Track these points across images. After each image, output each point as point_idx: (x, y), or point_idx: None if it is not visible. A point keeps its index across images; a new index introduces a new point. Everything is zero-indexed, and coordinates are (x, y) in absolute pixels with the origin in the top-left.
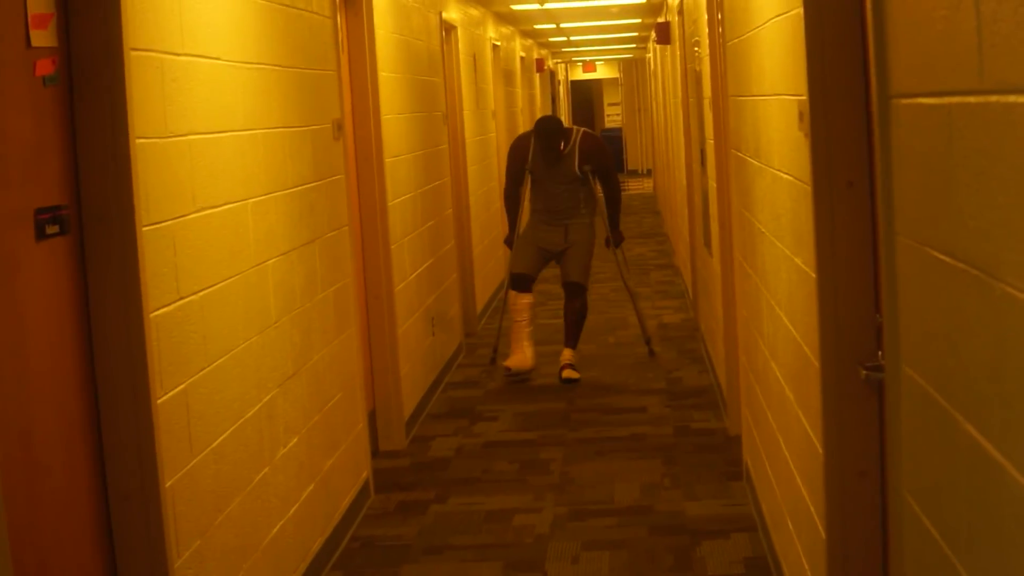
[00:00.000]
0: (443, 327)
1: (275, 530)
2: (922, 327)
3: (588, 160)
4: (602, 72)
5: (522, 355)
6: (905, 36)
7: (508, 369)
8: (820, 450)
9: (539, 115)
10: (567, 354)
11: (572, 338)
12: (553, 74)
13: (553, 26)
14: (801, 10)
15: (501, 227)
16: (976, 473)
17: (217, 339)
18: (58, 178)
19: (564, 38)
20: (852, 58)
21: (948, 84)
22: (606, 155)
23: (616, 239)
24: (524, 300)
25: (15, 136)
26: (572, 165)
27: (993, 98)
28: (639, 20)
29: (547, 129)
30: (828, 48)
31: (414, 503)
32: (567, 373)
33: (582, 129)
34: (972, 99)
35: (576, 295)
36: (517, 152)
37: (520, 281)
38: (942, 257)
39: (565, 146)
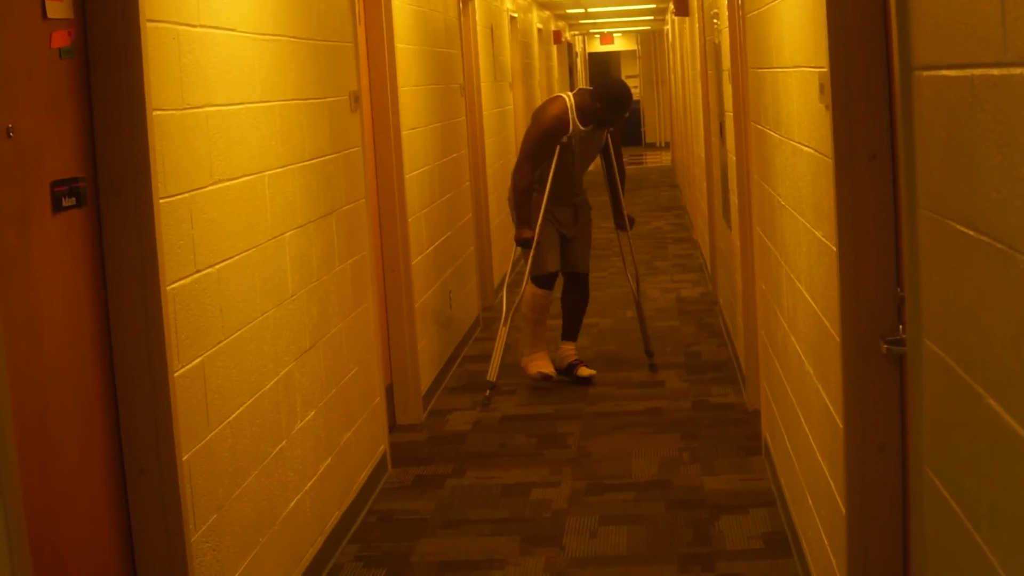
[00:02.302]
0: (460, 300)
1: (292, 504)
2: (944, 300)
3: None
4: (620, 44)
5: (547, 359)
6: (928, 7)
7: (543, 375)
8: (840, 424)
9: (556, 88)
10: (571, 349)
11: (574, 331)
12: (571, 46)
13: None
14: None
15: None
16: (998, 447)
17: (234, 312)
18: (74, 151)
19: (582, 9)
20: (874, 29)
21: (971, 56)
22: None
23: (630, 219)
24: (551, 298)
25: (31, 109)
26: (604, 132)
27: (1017, 70)
28: None
29: (620, 96)
30: (849, 19)
31: (431, 477)
32: (583, 371)
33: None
34: (995, 71)
35: (582, 284)
36: (555, 122)
37: (550, 279)
38: (964, 230)
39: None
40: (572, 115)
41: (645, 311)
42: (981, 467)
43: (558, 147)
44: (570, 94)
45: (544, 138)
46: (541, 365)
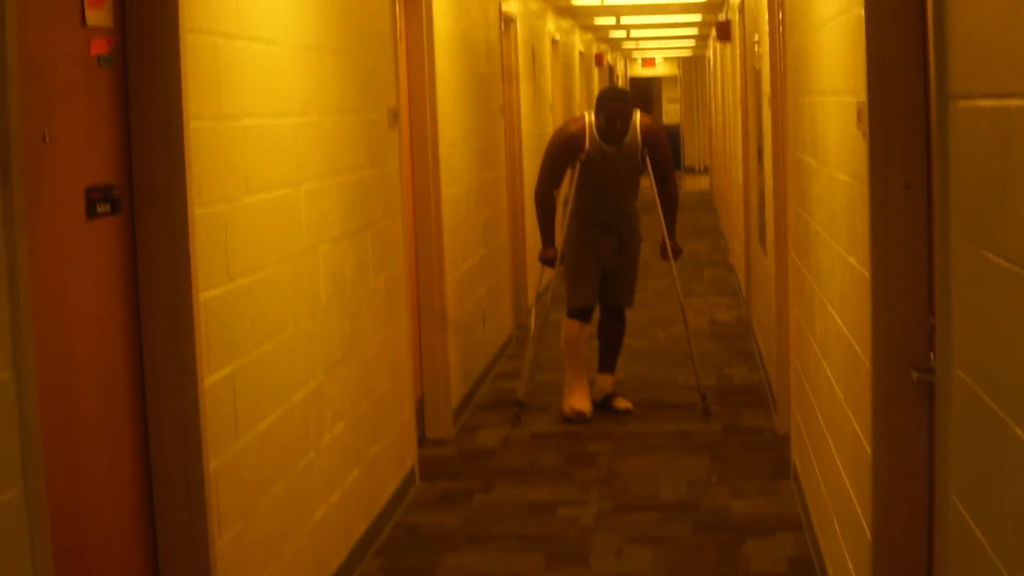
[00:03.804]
0: (494, 318)
1: (318, 515)
2: (974, 329)
3: (650, 147)
4: (661, 68)
5: (584, 395)
6: (965, 37)
7: (576, 412)
8: (869, 451)
9: None
10: (608, 381)
11: (612, 363)
12: (612, 69)
13: (613, 21)
14: (862, 10)
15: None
16: (1022, 477)
17: (266, 323)
18: (110, 158)
19: (624, 33)
20: (911, 59)
21: (1007, 86)
22: (667, 143)
23: (675, 250)
24: (587, 331)
25: (68, 115)
26: (635, 152)
27: None
28: (699, 17)
29: (617, 98)
30: (888, 48)
31: (459, 492)
32: (620, 403)
33: (638, 111)
34: None
35: (619, 316)
36: (569, 139)
37: (586, 312)
38: (996, 260)
39: (626, 128)
40: (590, 132)
41: (698, 356)
42: (1006, 496)
43: (579, 165)
44: (592, 113)
45: (556, 155)
46: (575, 401)
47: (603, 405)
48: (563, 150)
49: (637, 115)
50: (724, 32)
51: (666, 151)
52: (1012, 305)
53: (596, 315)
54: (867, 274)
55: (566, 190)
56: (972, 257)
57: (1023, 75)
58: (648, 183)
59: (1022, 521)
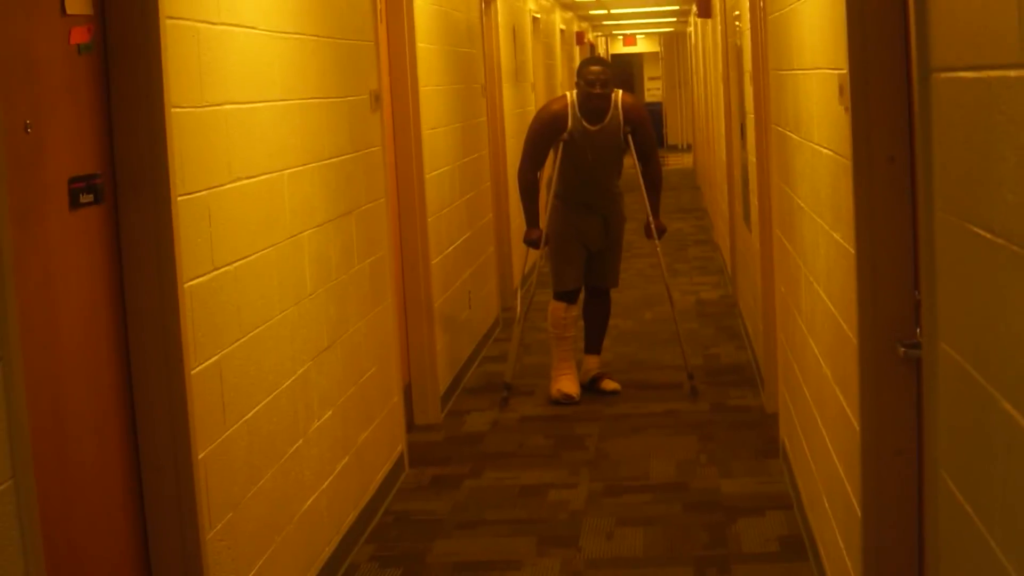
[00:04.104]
0: (480, 301)
1: (308, 503)
2: (960, 303)
3: (632, 126)
4: (643, 46)
5: (572, 377)
6: (946, 9)
7: (564, 394)
8: (857, 428)
9: None
10: (595, 362)
11: (598, 343)
12: (593, 47)
13: None
14: None
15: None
16: (1012, 452)
17: (251, 310)
18: (92, 147)
19: (604, 11)
20: (893, 31)
21: (988, 58)
22: (649, 122)
23: (659, 229)
24: (573, 313)
25: (49, 105)
26: (616, 131)
27: None
28: None
29: (597, 62)
30: (869, 21)
31: (448, 477)
32: (608, 384)
33: (620, 90)
34: (1012, 73)
35: (605, 297)
36: (551, 118)
37: (572, 294)
38: (981, 232)
39: (608, 100)
40: (573, 111)
41: (684, 336)
42: (995, 470)
43: (561, 145)
44: (574, 92)
45: (539, 134)
46: (563, 384)
47: (590, 387)
48: (546, 129)
49: (619, 94)
50: (704, 8)
51: (649, 130)
52: (996, 278)
53: (582, 296)
54: (852, 249)
55: (549, 171)
56: (956, 230)
57: (1004, 46)
58: (631, 163)
59: (1011, 494)
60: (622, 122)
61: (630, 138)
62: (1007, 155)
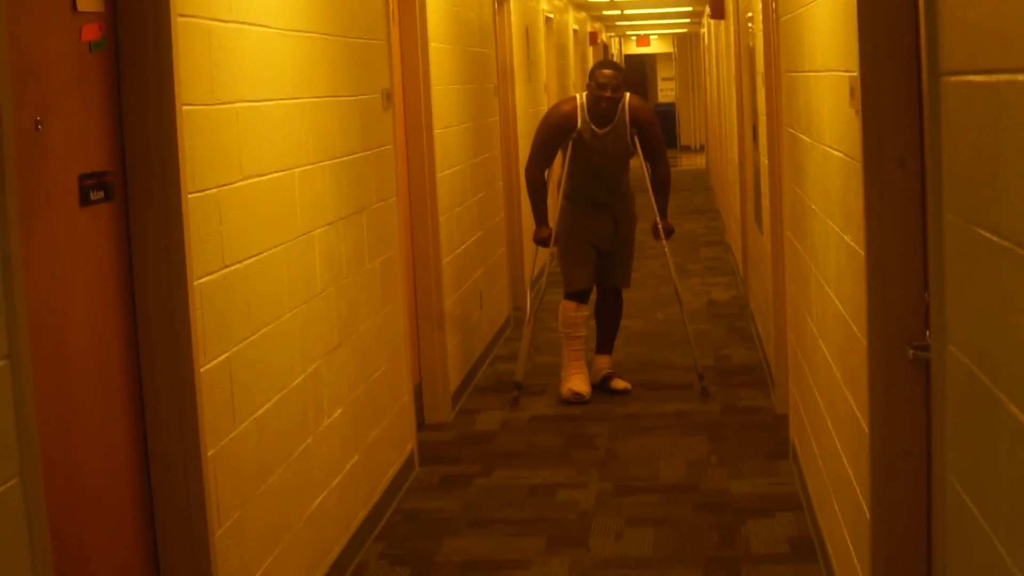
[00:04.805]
0: (491, 300)
1: (317, 501)
2: (968, 306)
3: (639, 128)
4: (656, 46)
5: (582, 377)
6: (956, 13)
7: (574, 394)
8: (866, 430)
9: None
10: (606, 362)
11: (609, 343)
12: (606, 47)
13: None
14: None
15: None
16: (1019, 454)
17: (262, 308)
18: (103, 144)
19: (618, 11)
20: (904, 34)
21: (997, 62)
22: (658, 125)
23: (667, 229)
24: (584, 313)
25: (60, 102)
26: (624, 133)
27: None
28: None
29: (608, 65)
30: (880, 24)
31: (458, 476)
32: (618, 383)
33: (627, 92)
34: (1020, 77)
35: (616, 297)
36: (561, 118)
37: (583, 294)
38: (988, 235)
39: (617, 103)
40: (582, 113)
41: (694, 337)
42: (1001, 473)
43: (570, 145)
44: (584, 93)
45: (548, 135)
46: (574, 383)
47: (601, 386)
48: (555, 130)
49: (627, 97)
50: (717, 9)
51: (656, 132)
52: (1004, 281)
53: (594, 296)
54: (861, 251)
55: (559, 172)
56: (964, 233)
57: (1013, 50)
58: (637, 163)
59: (1018, 497)
60: (628, 124)
61: (637, 140)
62: (1014, 159)
